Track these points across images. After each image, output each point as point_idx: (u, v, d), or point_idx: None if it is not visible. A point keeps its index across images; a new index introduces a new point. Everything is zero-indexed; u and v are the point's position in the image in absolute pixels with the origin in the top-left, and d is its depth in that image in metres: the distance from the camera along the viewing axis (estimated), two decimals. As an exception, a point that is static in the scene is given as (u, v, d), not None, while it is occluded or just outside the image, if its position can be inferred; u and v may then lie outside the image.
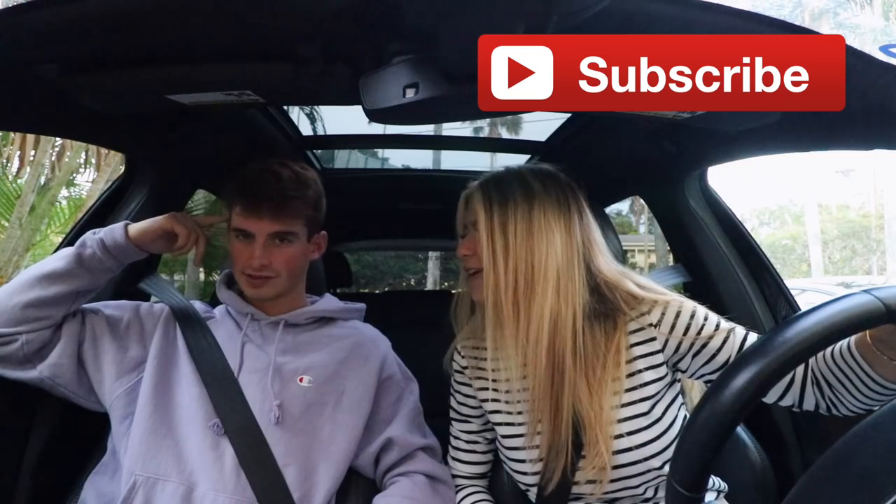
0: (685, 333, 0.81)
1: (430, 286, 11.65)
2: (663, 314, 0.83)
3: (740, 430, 1.10)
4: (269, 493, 0.83)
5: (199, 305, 1.05)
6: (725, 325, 0.82)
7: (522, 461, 0.87)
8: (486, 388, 0.92)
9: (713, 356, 0.81)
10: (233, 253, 0.97)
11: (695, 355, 0.82)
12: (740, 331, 0.82)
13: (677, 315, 0.82)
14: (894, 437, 0.38)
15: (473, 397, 0.97)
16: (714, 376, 0.81)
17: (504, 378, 0.87)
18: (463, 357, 0.98)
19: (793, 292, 1.22)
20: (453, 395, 1.01)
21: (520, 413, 0.87)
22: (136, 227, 0.90)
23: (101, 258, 0.87)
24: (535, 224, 0.81)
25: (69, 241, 1.19)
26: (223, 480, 0.83)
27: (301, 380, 0.94)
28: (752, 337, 0.82)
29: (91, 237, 0.88)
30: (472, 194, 0.87)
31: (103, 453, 0.93)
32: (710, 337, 0.80)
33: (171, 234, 0.91)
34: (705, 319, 0.82)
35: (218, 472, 0.83)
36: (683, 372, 0.86)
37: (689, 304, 0.84)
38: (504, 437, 0.90)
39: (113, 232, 0.89)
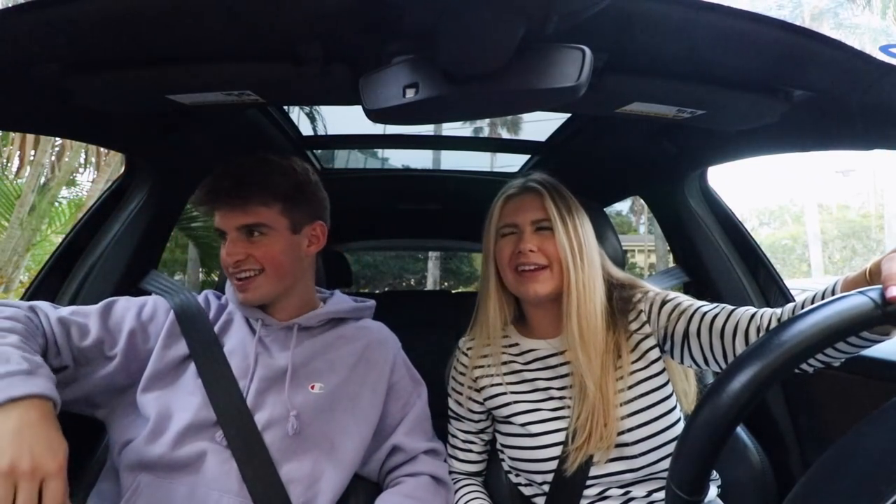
0: (662, 309, 0.90)
1: (430, 286, 11.66)
2: (651, 305, 0.92)
3: (740, 431, 1.10)
4: (269, 501, 0.81)
5: (212, 296, 1.02)
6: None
7: (544, 447, 0.89)
8: (500, 384, 0.95)
9: (677, 305, 0.89)
10: None
11: (667, 322, 0.89)
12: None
13: (662, 303, 0.91)
14: (894, 437, 0.38)
15: (476, 401, 0.99)
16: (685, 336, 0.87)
17: (537, 367, 0.94)
18: (469, 357, 1.00)
19: (793, 292, 1.22)
20: (451, 395, 1.03)
21: (548, 400, 0.92)
22: None
23: None
24: (588, 226, 0.94)
25: (69, 240, 1.19)
26: (227, 484, 0.81)
27: (313, 387, 0.91)
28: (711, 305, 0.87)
29: None
30: (537, 197, 0.94)
31: (105, 455, 0.92)
32: (679, 301, 0.91)
33: None
34: (675, 296, 0.92)
35: (223, 476, 0.82)
36: (671, 352, 0.90)
37: (663, 292, 0.94)
38: (525, 424, 0.91)
39: None
